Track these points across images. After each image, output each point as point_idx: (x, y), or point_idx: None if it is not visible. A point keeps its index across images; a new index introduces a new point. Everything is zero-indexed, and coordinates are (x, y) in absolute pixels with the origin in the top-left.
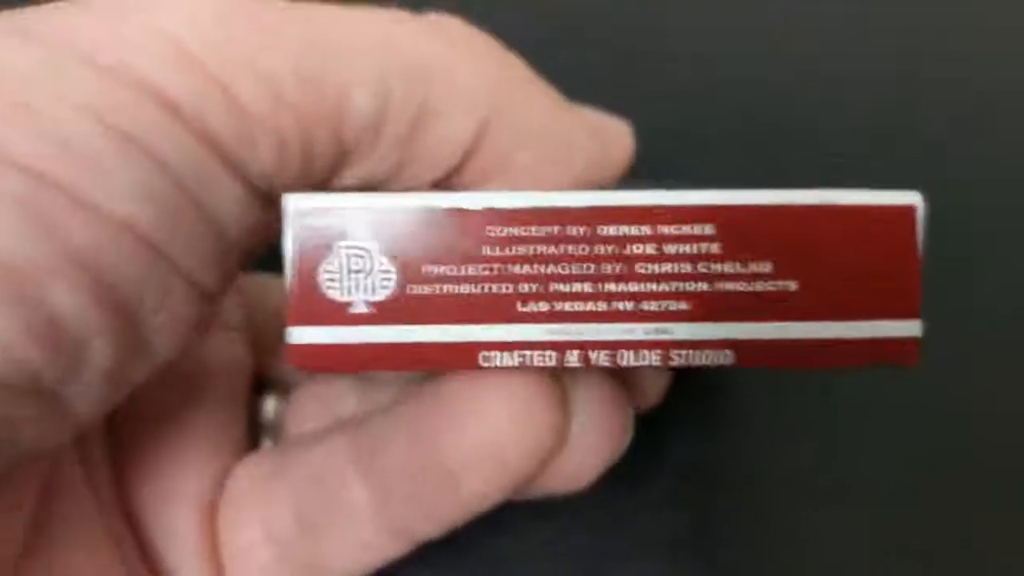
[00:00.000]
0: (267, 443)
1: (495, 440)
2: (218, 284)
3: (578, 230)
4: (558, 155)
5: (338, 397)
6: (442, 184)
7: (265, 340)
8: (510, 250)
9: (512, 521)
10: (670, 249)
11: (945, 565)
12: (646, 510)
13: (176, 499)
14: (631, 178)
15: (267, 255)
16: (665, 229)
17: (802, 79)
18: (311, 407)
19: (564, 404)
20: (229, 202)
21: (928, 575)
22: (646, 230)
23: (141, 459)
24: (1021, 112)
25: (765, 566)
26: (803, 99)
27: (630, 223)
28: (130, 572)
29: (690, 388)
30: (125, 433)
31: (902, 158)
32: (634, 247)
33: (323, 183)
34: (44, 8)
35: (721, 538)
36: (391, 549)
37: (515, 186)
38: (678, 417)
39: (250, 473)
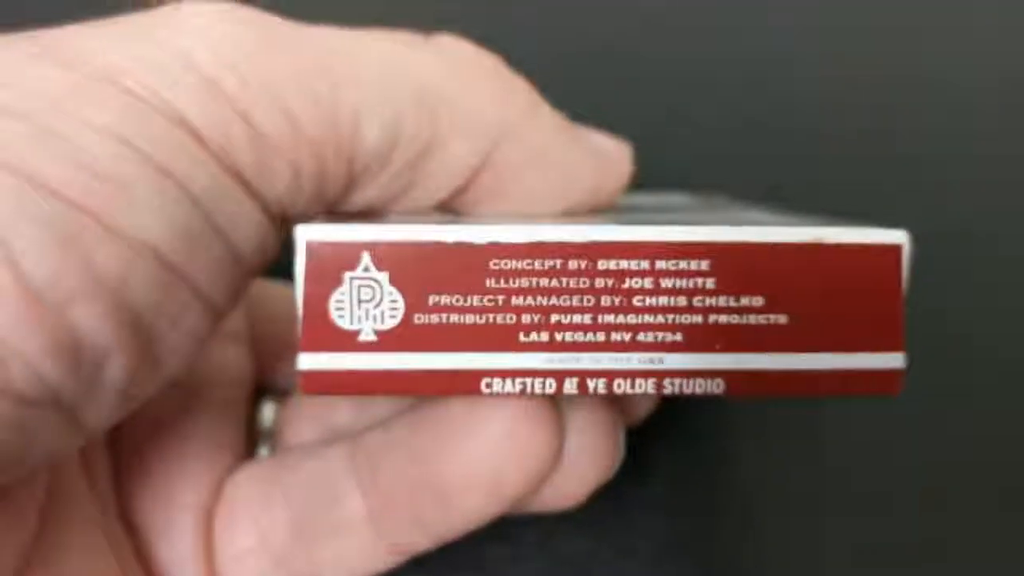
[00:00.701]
0: (264, 450)
1: (492, 460)
2: (229, 303)
3: (578, 263)
4: (562, 178)
5: (335, 407)
6: (448, 204)
7: (265, 347)
8: (512, 282)
9: (501, 525)
10: (666, 283)
11: (932, 571)
12: (634, 515)
13: (174, 505)
14: (636, 189)
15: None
16: (662, 264)
17: (803, 82)
18: (308, 415)
19: (560, 426)
20: (246, 226)
21: None
22: (644, 264)
23: (141, 466)
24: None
25: (751, 571)
26: (804, 102)
27: (629, 258)
28: None
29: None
30: (126, 441)
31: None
32: (632, 281)
33: (333, 205)
34: (70, 29)
35: (707, 543)
36: (385, 561)
37: (518, 207)
38: (667, 424)
39: (247, 480)
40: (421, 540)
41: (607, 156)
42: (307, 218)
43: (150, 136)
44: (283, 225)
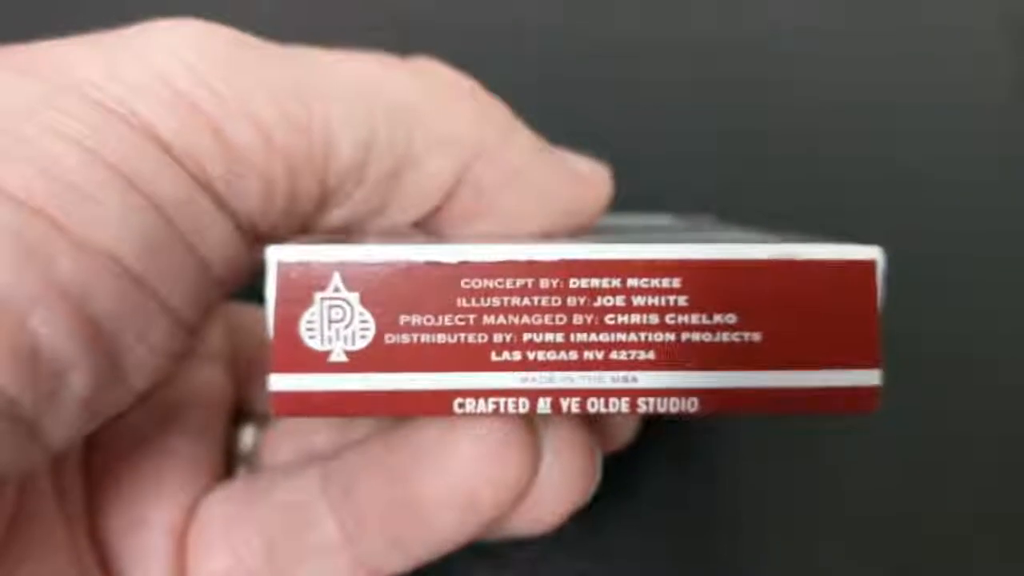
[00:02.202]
0: (241, 473)
1: (467, 481)
2: (199, 318)
3: (550, 282)
4: (539, 198)
5: (313, 430)
6: (425, 224)
7: (245, 369)
8: (484, 301)
9: (490, 546)
10: (638, 301)
11: None
12: (624, 535)
13: (147, 527)
14: (620, 210)
15: (251, 284)
16: (633, 282)
17: (798, 86)
18: (286, 438)
19: (535, 447)
20: (215, 240)
21: None
22: (616, 283)
23: (115, 486)
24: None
25: None
26: (797, 122)
27: (600, 276)
28: None
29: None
30: (100, 461)
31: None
32: (604, 299)
33: (306, 222)
34: (44, 44)
35: (703, 565)
36: None
37: (496, 227)
38: (662, 444)
39: (222, 501)
40: (397, 561)
41: (585, 177)
42: (281, 236)
43: (118, 147)
44: (256, 242)
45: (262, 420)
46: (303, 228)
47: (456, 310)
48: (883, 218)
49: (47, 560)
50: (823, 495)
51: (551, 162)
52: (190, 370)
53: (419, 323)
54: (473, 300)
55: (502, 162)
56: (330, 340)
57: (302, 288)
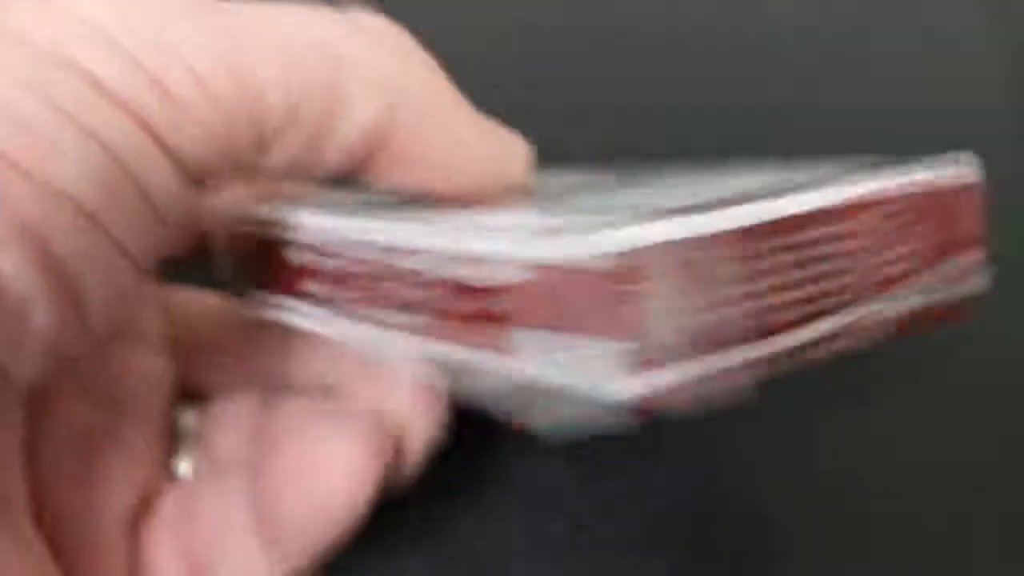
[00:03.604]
0: (186, 456)
1: (318, 505)
2: (150, 260)
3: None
4: (461, 150)
5: (247, 405)
6: (355, 174)
7: (188, 351)
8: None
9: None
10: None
11: None
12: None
13: (99, 509)
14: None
15: (181, 269)
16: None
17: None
18: (223, 417)
19: (382, 457)
20: (163, 182)
21: None
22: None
23: (63, 472)
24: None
25: None
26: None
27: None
28: None
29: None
30: (47, 451)
31: None
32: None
33: (245, 165)
34: None
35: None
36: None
37: (421, 177)
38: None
39: (167, 500)
40: (303, 559)
41: (506, 145)
42: (220, 179)
43: (67, 94)
44: (199, 189)
45: (201, 401)
46: (242, 171)
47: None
48: None
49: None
50: (823, 493)
51: (474, 124)
52: (130, 356)
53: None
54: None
55: (427, 109)
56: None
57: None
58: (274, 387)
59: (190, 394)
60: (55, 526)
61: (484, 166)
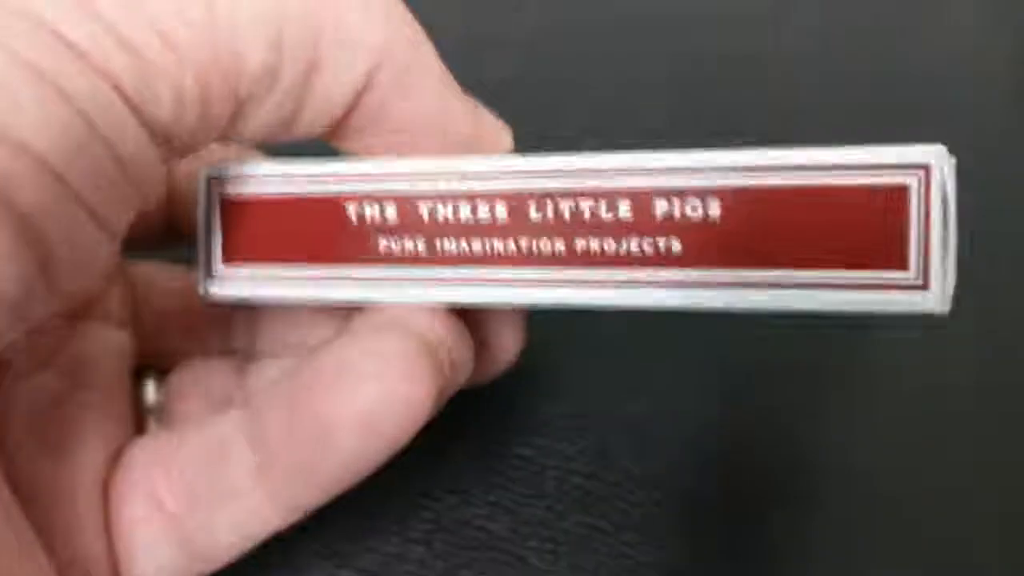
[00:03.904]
0: (152, 425)
1: (368, 409)
2: (121, 226)
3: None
4: (439, 116)
5: (215, 373)
6: (331, 134)
7: (151, 324)
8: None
9: None
10: None
11: None
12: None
13: (70, 473)
14: None
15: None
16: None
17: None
18: (190, 386)
19: (438, 371)
20: (133, 143)
21: None
22: None
23: (32, 439)
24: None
25: None
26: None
27: None
28: (23, 547)
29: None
30: (13, 418)
31: None
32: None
33: (223, 130)
34: None
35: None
36: (276, 519)
37: (396, 140)
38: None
39: (143, 451)
40: (309, 494)
41: (485, 122)
42: (199, 145)
43: (32, 48)
44: (171, 153)
45: (162, 374)
46: (221, 136)
47: None
48: None
49: None
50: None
51: (455, 91)
52: (91, 331)
53: None
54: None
55: (407, 74)
56: None
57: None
58: (242, 356)
59: (153, 367)
60: (27, 493)
61: (461, 129)
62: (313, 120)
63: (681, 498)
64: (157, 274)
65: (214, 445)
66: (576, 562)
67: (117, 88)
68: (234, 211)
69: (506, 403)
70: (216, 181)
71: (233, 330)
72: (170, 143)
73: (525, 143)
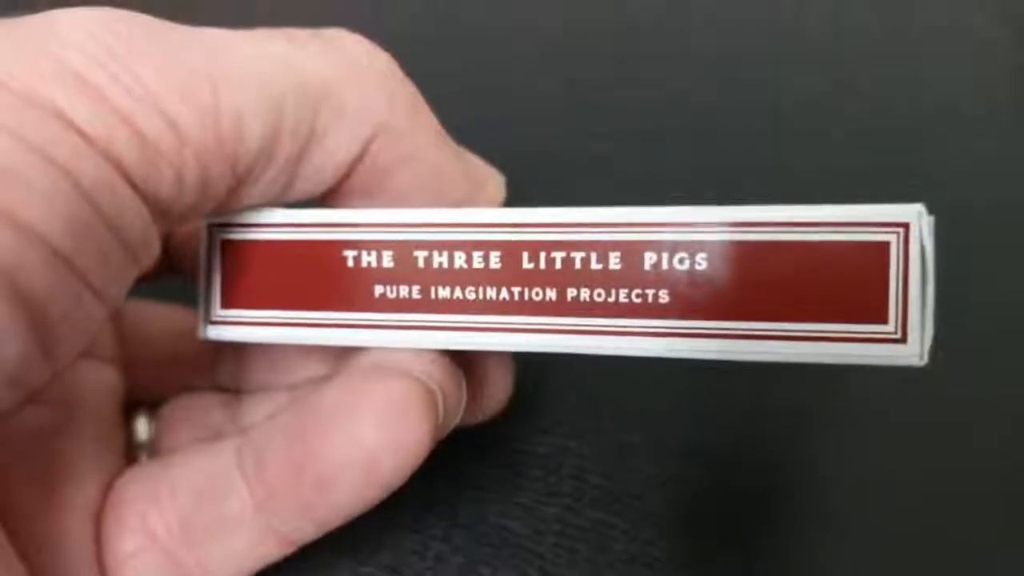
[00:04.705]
0: (144, 459)
1: (368, 447)
2: (118, 294)
3: None
4: (435, 184)
5: (206, 407)
6: (324, 198)
7: (134, 361)
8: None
9: None
10: None
11: None
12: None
13: (61, 505)
14: None
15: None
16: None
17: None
18: (181, 420)
19: (435, 413)
20: (135, 221)
21: None
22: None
23: (23, 473)
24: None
25: None
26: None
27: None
28: None
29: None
30: (3, 453)
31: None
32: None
33: (220, 204)
34: None
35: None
36: (273, 552)
37: (381, 196)
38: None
39: (134, 482)
40: (307, 529)
41: (481, 177)
42: (196, 217)
43: (39, 132)
44: (174, 224)
45: (152, 409)
46: (217, 210)
47: None
48: None
49: None
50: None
51: (452, 152)
52: (84, 367)
53: None
54: None
55: (404, 140)
56: None
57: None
58: (233, 391)
59: (144, 403)
60: (19, 529)
61: (458, 192)
62: (306, 189)
63: (697, 497)
64: (147, 311)
65: (209, 477)
66: (592, 559)
67: (120, 169)
68: (234, 257)
69: (524, 402)
70: (217, 228)
71: (222, 364)
72: (168, 216)
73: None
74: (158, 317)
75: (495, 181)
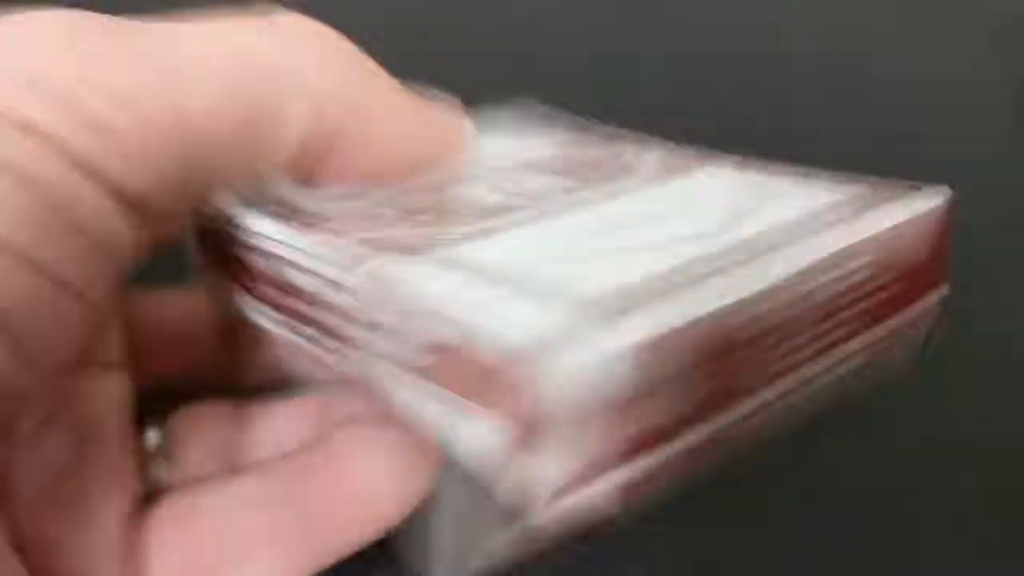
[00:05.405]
0: (161, 470)
1: (374, 493)
2: (106, 295)
3: None
4: (396, 144)
5: (213, 420)
6: (295, 174)
7: (138, 356)
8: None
9: None
10: None
11: None
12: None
13: (87, 531)
14: None
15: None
16: None
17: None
18: (191, 433)
19: (436, 453)
20: (110, 220)
21: None
22: None
23: (45, 502)
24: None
25: None
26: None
27: None
28: None
29: None
30: (23, 482)
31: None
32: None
33: (200, 200)
34: None
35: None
36: None
37: (352, 171)
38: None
39: (171, 507)
40: (314, 562)
41: (445, 126)
42: (178, 214)
43: (1, 140)
44: (156, 218)
45: (161, 416)
46: (196, 206)
47: None
48: None
49: None
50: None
51: (414, 106)
52: (93, 382)
53: None
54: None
55: (364, 105)
56: None
57: None
58: (243, 386)
59: (146, 411)
60: (43, 557)
61: (426, 150)
62: (263, 166)
63: (712, 492)
64: (148, 300)
65: (228, 512)
66: (606, 555)
67: (86, 168)
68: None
69: None
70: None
71: (227, 361)
72: (148, 211)
73: None
74: (159, 304)
75: (460, 124)
